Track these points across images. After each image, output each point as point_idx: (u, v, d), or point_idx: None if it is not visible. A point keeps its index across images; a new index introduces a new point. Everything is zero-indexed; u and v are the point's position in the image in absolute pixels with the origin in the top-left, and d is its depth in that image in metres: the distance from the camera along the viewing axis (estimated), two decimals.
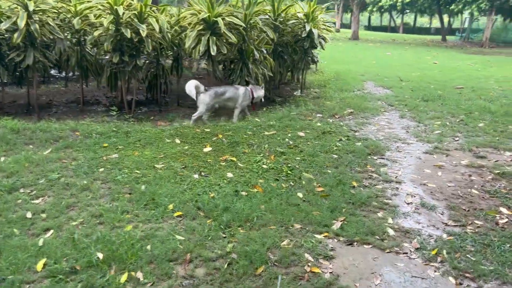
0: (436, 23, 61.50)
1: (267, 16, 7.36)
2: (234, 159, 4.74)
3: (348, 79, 10.05)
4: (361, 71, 11.72)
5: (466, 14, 42.48)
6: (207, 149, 5.03)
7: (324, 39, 8.13)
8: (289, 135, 5.63)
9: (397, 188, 4.21)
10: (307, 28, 7.56)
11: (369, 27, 57.84)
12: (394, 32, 47.12)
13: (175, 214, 3.45)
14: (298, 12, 8.09)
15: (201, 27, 6.25)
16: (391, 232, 3.35)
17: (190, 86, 6.12)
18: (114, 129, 5.54)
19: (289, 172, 4.41)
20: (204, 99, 6.15)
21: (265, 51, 6.97)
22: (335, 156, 4.96)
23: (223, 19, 6.22)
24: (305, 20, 7.80)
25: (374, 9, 44.58)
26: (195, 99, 6.17)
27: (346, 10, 47.14)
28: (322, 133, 5.77)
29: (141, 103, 7.75)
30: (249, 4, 6.67)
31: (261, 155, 4.89)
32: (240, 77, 6.78)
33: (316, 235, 3.24)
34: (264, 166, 4.55)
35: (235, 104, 6.46)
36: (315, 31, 7.69)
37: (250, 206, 3.61)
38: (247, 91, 6.48)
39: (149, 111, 7.38)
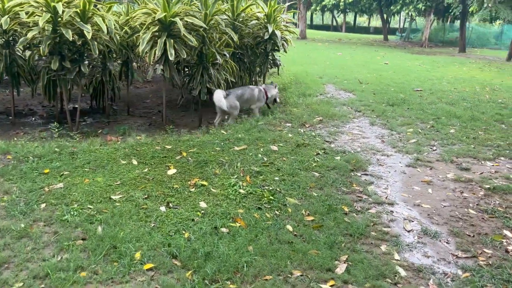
0: (374, 22, 63.95)
1: (225, 16, 6.74)
2: (205, 183, 4.10)
3: (308, 82, 9.67)
4: (318, 73, 11.43)
5: (403, 14, 44.38)
6: (172, 171, 4.34)
7: (286, 41, 7.65)
8: (262, 149, 5.07)
9: (391, 211, 3.79)
10: (270, 30, 7.03)
11: (312, 26, 58.74)
12: (336, 31, 48.08)
13: (145, 267, 2.75)
14: (258, 12, 7.54)
15: (156, 28, 5.49)
16: (402, 272, 2.89)
17: (220, 96, 5.93)
18: (56, 149, 4.66)
19: (271, 197, 3.84)
20: (235, 103, 6.19)
21: (227, 55, 6.34)
22: (317, 174, 4.47)
23: (181, 19, 5.51)
24: (266, 21, 7.27)
25: (318, 8, 45.20)
26: (225, 109, 6.05)
27: (289, 9, 47.46)
28: (297, 146, 5.27)
29: (85, 113, 6.83)
30: (205, 2, 6.00)
31: (235, 176, 4.28)
32: (200, 83, 6.10)
33: (322, 285, 2.70)
34: (241, 191, 3.95)
35: (250, 105, 6.66)
36: (277, 33, 7.18)
37: (235, 248, 3.00)
38: (261, 92, 6.65)
39: (96, 123, 6.49)
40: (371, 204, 3.89)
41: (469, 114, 7.24)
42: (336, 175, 4.48)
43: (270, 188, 4.06)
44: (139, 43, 5.51)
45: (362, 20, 64.96)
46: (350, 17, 60.71)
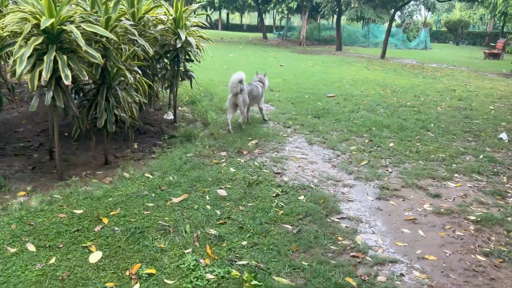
0: (245, 20, 65.28)
1: (128, 22, 5.31)
2: (152, 270, 2.83)
3: (218, 93, 8.61)
4: (223, 80, 10.42)
5: (275, 12, 45.83)
6: (95, 255, 2.95)
7: (199, 49, 6.48)
8: (207, 197, 3.92)
9: (400, 274, 3.04)
10: (183, 37, 5.81)
11: None
12: (211, 29, 47.56)
13: None
14: (163, 15, 6.24)
15: (40, 40, 3.87)
16: None
17: (238, 78, 6.12)
18: None
19: (254, 282, 2.77)
20: (246, 100, 6.22)
21: (139, 71, 4.93)
22: (290, 227, 3.52)
23: (77, 27, 3.99)
24: (175, 26, 6.03)
25: None
26: (231, 93, 6.06)
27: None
28: (248, 186, 4.24)
29: None
30: (104, 4, 4.53)
31: (190, 249, 3.09)
32: (106, 110, 4.62)
33: None
34: (209, 277, 2.79)
35: (257, 104, 6.70)
36: (192, 41, 5.99)
37: None
38: (262, 87, 6.73)
39: None
40: (374, 267, 3.09)
41: (395, 123, 7.05)
42: (313, 225, 3.58)
43: (244, 262, 2.98)
44: (13, 61, 3.84)
45: (232, 17, 65.57)
46: (223, 15, 60.81)
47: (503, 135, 6.75)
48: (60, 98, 4.11)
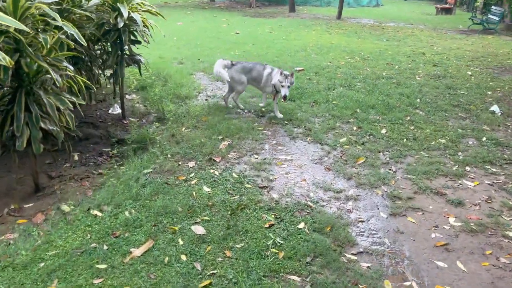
0: None
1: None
2: None
3: (173, 73, 7.34)
4: (175, 56, 9.07)
5: None
6: None
7: (147, 27, 5.21)
8: (180, 240, 2.92)
9: None
10: (125, 14, 4.55)
11: None
12: None
13: None
14: None
15: None
16: None
17: (218, 67, 5.58)
18: None
19: None
20: (239, 77, 5.62)
21: (70, 67, 3.66)
22: (298, 280, 2.62)
23: None
24: (114, 0, 4.72)
25: None
26: (227, 79, 5.63)
27: None
28: (231, 214, 3.26)
29: None
30: None
31: None
32: (28, 125, 3.38)
33: None
34: None
35: (259, 87, 5.80)
36: (137, 17, 4.73)
37: None
38: (271, 75, 5.54)
39: None
40: None
41: (379, 101, 6.23)
42: (327, 272, 2.70)
43: None
44: None
45: None
46: None
47: (495, 108, 6.14)
48: None
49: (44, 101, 3.47)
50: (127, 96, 6.53)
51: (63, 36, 3.61)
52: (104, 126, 5.26)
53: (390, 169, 4.21)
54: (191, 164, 4.10)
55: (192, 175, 3.87)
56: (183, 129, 4.94)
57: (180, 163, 4.10)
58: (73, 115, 3.70)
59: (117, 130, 5.11)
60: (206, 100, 6.18)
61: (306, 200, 3.57)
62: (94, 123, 5.36)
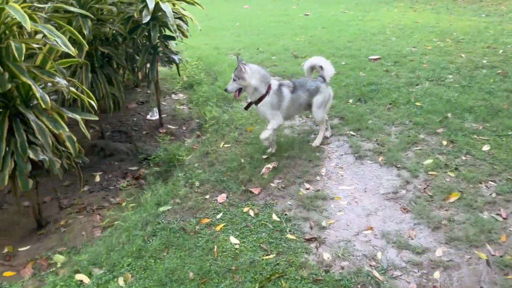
0: None
1: None
2: None
3: (225, 69, 6.45)
4: (233, 47, 8.20)
5: None
6: None
7: (182, 19, 4.36)
8: None
9: None
10: (151, 6, 3.73)
11: None
12: None
13: None
14: None
15: None
16: None
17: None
18: None
19: None
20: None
21: (63, 82, 2.90)
22: None
23: None
24: None
25: None
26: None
27: None
28: None
29: None
30: None
31: None
32: (14, 155, 2.72)
33: None
34: None
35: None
36: (166, 8, 3.89)
37: None
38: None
39: None
40: None
41: (479, 100, 4.79)
42: None
43: None
44: None
45: None
46: None
47: None
48: None
49: (35, 124, 2.78)
50: (173, 96, 5.83)
51: (59, 41, 2.85)
52: (138, 136, 4.58)
53: (498, 214, 2.94)
54: (222, 197, 3.21)
55: (219, 216, 2.98)
56: (222, 144, 4.05)
57: (207, 196, 3.23)
58: (74, 139, 2.98)
59: (149, 143, 4.39)
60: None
61: (370, 266, 2.50)
62: (128, 132, 4.70)
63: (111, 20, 3.96)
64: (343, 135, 4.25)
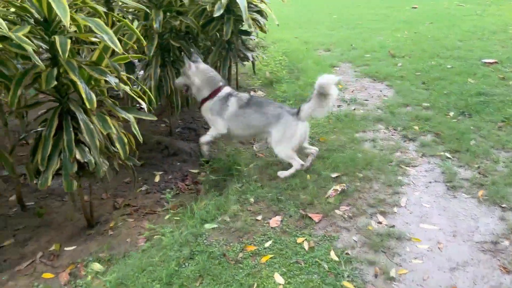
0: None
1: None
2: None
3: (310, 66, 5.96)
4: (324, 42, 7.64)
5: None
6: None
7: (261, 13, 3.98)
8: None
9: None
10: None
11: None
12: None
13: None
14: None
15: None
16: None
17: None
18: None
19: None
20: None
21: (114, 81, 2.73)
22: None
23: None
24: None
25: None
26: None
27: None
28: None
29: None
30: None
31: None
32: (60, 154, 2.62)
33: None
34: None
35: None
36: (240, 1, 3.53)
37: None
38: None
39: None
40: None
41: None
42: None
43: None
44: None
45: None
46: None
47: None
48: None
49: (89, 125, 2.65)
50: (252, 93, 5.53)
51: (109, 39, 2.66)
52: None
53: None
54: (275, 221, 2.80)
55: (267, 244, 2.58)
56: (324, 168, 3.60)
57: (259, 217, 2.84)
58: (125, 140, 2.80)
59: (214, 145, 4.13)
60: (338, 107, 4.67)
61: None
62: (197, 130, 4.51)
63: (179, 15, 3.75)
64: (435, 157, 3.54)
